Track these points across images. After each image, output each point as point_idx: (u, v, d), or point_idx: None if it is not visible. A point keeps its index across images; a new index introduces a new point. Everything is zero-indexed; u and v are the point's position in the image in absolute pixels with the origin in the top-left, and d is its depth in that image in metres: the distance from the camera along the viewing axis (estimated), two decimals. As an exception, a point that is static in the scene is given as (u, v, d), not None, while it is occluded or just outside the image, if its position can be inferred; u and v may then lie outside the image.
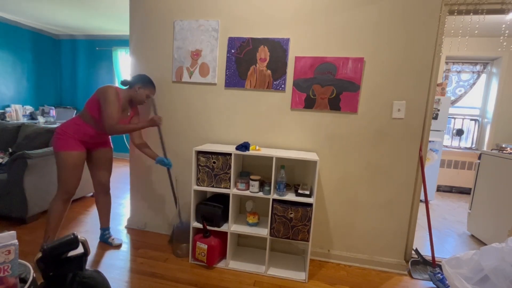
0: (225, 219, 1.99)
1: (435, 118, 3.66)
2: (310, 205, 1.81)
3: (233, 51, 2.11)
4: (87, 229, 2.41)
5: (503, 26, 3.65)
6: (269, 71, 2.07)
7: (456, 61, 4.40)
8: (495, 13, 1.91)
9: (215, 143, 2.22)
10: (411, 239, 2.11)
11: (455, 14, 1.90)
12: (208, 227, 1.93)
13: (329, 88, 2.00)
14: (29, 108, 4.81)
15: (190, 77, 2.20)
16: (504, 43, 4.08)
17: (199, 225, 1.95)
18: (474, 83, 4.40)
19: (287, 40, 2.02)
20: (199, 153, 1.93)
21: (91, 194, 3.23)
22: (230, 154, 1.87)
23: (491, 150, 2.68)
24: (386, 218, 2.05)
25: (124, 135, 5.12)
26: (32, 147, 2.79)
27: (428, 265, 2.06)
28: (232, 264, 1.99)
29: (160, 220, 2.41)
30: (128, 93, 1.97)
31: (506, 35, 4.01)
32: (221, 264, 1.98)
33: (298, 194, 1.86)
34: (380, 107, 1.97)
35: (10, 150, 2.93)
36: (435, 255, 2.02)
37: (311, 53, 2.01)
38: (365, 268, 2.08)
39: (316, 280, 1.89)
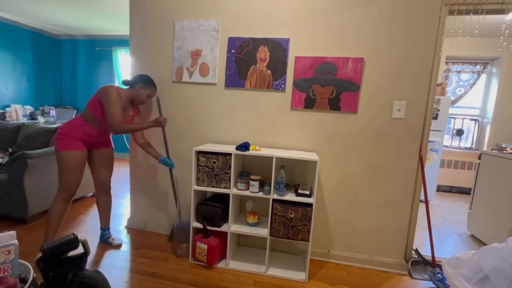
0: (225, 219, 1.99)
1: (435, 118, 3.66)
2: (310, 205, 1.81)
3: (233, 51, 2.11)
4: (87, 229, 2.41)
5: (503, 26, 3.65)
6: (269, 71, 2.07)
7: (456, 61, 4.40)
8: (495, 13, 1.91)
9: (215, 143, 2.22)
10: (411, 239, 2.11)
11: (455, 14, 1.90)
12: (208, 227, 1.93)
13: (329, 88, 2.00)
14: (29, 108, 4.81)
15: (190, 77, 2.20)
16: (504, 43, 4.08)
17: (199, 225, 1.95)
18: (474, 83, 4.40)
19: (287, 40, 2.02)
20: (199, 153, 1.93)
21: (91, 194, 3.23)
22: (230, 154, 1.87)
23: (491, 150, 2.68)
24: (386, 218, 2.05)
25: (124, 135, 5.13)
26: (32, 147, 2.79)
27: (428, 265, 2.06)
28: (232, 264, 1.99)
29: (160, 220, 2.41)
30: (129, 93, 1.98)
31: (506, 35, 4.01)
32: (221, 264, 1.98)
33: (298, 194, 1.86)
34: (380, 107, 1.97)
35: (10, 150, 2.93)
36: (435, 255, 2.03)
37: (311, 53, 2.01)
38: (365, 268, 2.08)
39: (316, 280, 1.89)
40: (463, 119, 4.53)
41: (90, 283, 1.08)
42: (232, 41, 2.10)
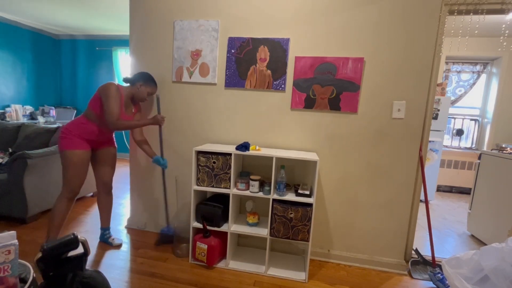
0: (225, 219, 1.99)
1: (435, 118, 3.66)
2: (310, 205, 1.81)
3: (233, 51, 2.11)
4: (87, 229, 2.41)
5: (503, 26, 3.65)
6: (269, 71, 2.07)
7: (456, 61, 4.40)
8: (495, 13, 1.91)
9: (215, 143, 2.22)
10: (411, 239, 2.11)
11: (455, 14, 1.90)
12: (208, 227, 1.93)
13: (329, 88, 2.00)
14: (29, 108, 4.81)
15: (190, 77, 2.20)
16: (504, 43, 4.08)
17: (199, 225, 1.95)
18: (474, 83, 4.40)
19: (287, 40, 2.02)
20: (199, 153, 1.93)
21: (91, 194, 3.23)
22: (230, 154, 1.87)
23: (491, 150, 2.68)
24: (386, 218, 2.05)
25: (124, 135, 5.13)
26: (32, 147, 2.79)
27: (428, 265, 2.06)
28: (232, 264, 1.99)
29: (160, 220, 2.41)
30: (130, 90, 1.99)
31: (506, 35, 4.01)
32: (221, 264, 1.98)
33: (298, 194, 1.86)
34: (380, 107, 1.97)
35: (10, 150, 2.93)
36: (435, 255, 2.02)
37: (311, 53, 2.01)
38: (365, 268, 2.08)
39: (316, 280, 1.89)
40: (463, 119, 4.53)
41: (90, 283, 1.08)
42: (232, 41, 2.10)
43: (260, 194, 1.88)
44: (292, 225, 1.82)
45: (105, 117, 1.82)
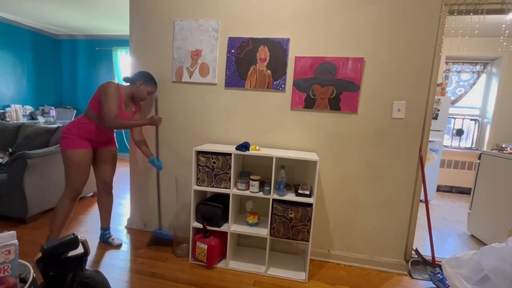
0: (225, 219, 1.99)
1: (435, 118, 3.66)
2: (310, 205, 1.81)
3: (233, 51, 2.11)
4: (87, 229, 2.41)
5: (503, 26, 3.65)
6: (269, 71, 2.07)
7: (456, 61, 4.40)
8: (495, 13, 1.91)
9: (215, 143, 2.22)
10: (411, 239, 2.11)
11: (455, 14, 1.90)
12: (208, 227, 1.93)
13: (329, 88, 2.00)
14: (29, 108, 4.81)
15: (190, 77, 2.20)
16: (504, 43, 4.08)
17: (199, 225, 1.95)
18: (474, 83, 4.40)
19: (287, 40, 2.02)
20: (199, 153, 1.93)
21: (91, 194, 3.23)
22: (230, 154, 1.87)
23: (491, 150, 2.68)
24: (386, 218, 2.05)
25: (124, 135, 5.13)
26: (32, 147, 2.80)
27: (428, 265, 2.06)
28: (232, 264, 1.99)
29: (160, 220, 2.40)
30: (130, 89, 2.00)
31: (506, 35, 4.01)
32: (221, 264, 1.98)
33: (298, 194, 1.86)
34: (380, 107, 1.97)
35: (10, 150, 2.93)
36: (435, 255, 2.02)
37: (311, 53, 2.01)
38: (365, 268, 2.08)
39: (316, 280, 1.89)
40: (463, 119, 4.53)
41: (90, 283, 1.08)
42: (232, 41, 2.10)
43: (260, 194, 1.88)
44: (292, 225, 1.82)
45: (103, 115, 1.82)
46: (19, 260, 0.96)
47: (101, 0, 3.48)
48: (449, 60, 4.38)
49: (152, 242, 2.21)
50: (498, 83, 4.17)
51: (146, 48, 2.27)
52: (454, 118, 4.53)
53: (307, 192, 1.86)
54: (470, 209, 2.83)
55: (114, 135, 2.14)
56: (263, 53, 2.06)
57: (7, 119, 4.38)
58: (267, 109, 2.12)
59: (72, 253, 1.06)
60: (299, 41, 2.01)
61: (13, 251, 0.89)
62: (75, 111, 5.30)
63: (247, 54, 2.08)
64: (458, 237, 2.75)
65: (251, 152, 1.87)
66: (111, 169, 2.13)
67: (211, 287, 1.74)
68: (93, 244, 2.17)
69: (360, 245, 2.11)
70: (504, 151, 2.56)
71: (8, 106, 4.58)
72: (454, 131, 4.54)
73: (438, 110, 3.66)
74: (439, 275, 1.88)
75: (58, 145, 2.66)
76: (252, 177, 1.89)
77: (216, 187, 1.92)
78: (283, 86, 2.06)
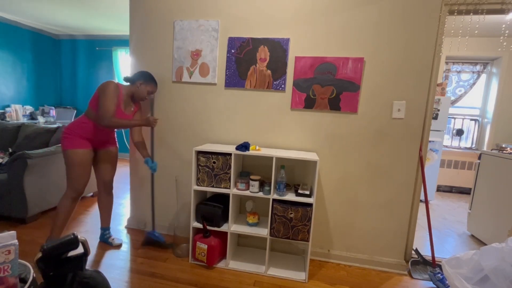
0: (225, 219, 1.99)
1: (435, 118, 3.66)
2: (310, 205, 1.81)
3: (233, 51, 2.11)
4: (87, 229, 2.41)
5: (503, 26, 3.65)
6: (269, 71, 2.07)
7: (456, 61, 4.40)
8: (495, 13, 1.91)
9: (215, 143, 2.22)
10: (411, 239, 2.11)
11: (455, 14, 1.90)
12: (208, 227, 1.93)
13: (329, 88, 2.00)
14: (29, 108, 4.81)
15: (190, 77, 2.20)
16: (504, 43, 4.08)
17: (199, 225, 1.95)
18: (474, 83, 4.40)
19: (287, 40, 2.02)
20: (199, 153, 1.93)
21: (91, 194, 3.23)
22: (230, 154, 1.87)
23: (491, 150, 2.68)
24: (386, 218, 2.05)
25: (124, 135, 5.13)
26: (32, 147, 2.80)
27: (428, 265, 2.06)
28: (232, 264, 1.99)
29: (160, 220, 2.41)
30: (130, 89, 2.00)
31: (506, 35, 4.01)
32: (221, 264, 1.98)
33: (298, 194, 1.86)
34: (380, 107, 1.97)
35: (10, 150, 2.93)
36: (435, 255, 2.03)
37: (311, 53, 2.01)
38: (365, 268, 2.08)
39: (316, 280, 1.89)
40: (463, 119, 4.53)
41: (90, 283, 1.08)
42: (232, 41, 2.10)
43: (260, 194, 1.88)
44: (292, 225, 1.82)
45: (99, 113, 1.82)
46: (19, 260, 0.96)
47: (101, 0, 3.48)
48: (449, 60, 4.38)
49: (145, 243, 2.20)
50: (498, 83, 4.17)
51: (146, 48, 2.27)
52: (454, 118, 4.53)
53: (307, 192, 1.86)
54: (470, 209, 2.83)
55: (115, 135, 2.14)
56: (263, 53, 2.06)
57: (7, 119, 4.38)
58: (267, 109, 2.12)
59: (72, 253, 1.06)
60: (299, 41, 2.01)
61: (13, 251, 0.89)
62: (75, 111, 5.30)
63: (247, 54, 2.08)
64: (458, 237, 2.75)
65: (251, 152, 1.87)
66: (111, 169, 2.13)
67: (211, 287, 1.74)
68: (93, 244, 2.17)
69: (360, 245, 2.11)
70: (504, 151, 2.56)
71: (8, 106, 4.58)
72: (454, 131, 4.54)
73: (438, 110, 3.66)
74: (439, 275, 1.88)
75: (58, 145, 2.67)
76: (252, 177, 1.89)
77: (216, 187, 1.92)
78: (283, 86, 2.06)
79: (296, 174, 2.13)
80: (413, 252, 2.14)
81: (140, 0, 2.22)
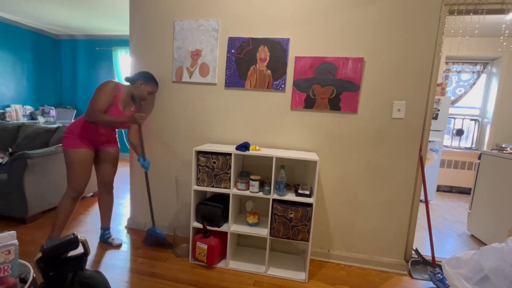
0: (225, 219, 1.99)
1: (435, 118, 3.66)
2: (310, 205, 1.81)
3: (233, 51, 2.11)
4: (87, 229, 2.41)
5: (503, 26, 3.65)
6: (269, 71, 2.07)
7: (456, 61, 4.40)
8: (495, 13, 1.91)
9: (215, 143, 2.22)
10: (411, 239, 2.11)
11: (455, 14, 1.90)
12: (208, 227, 1.93)
13: (329, 88, 2.00)
14: (29, 108, 4.81)
15: (190, 77, 2.20)
16: (504, 43, 4.08)
17: (199, 225, 1.95)
18: (474, 83, 4.40)
19: (287, 40, 2.02)
20: (199, 153, 1.93)
21: (91, 194, 3.23)
22: (230, 154, 1.87)
23: (491, 150, 2.68)
24: (386, 218, 2.05)
25: (124, 135, 5.13)
26: (32, 147, 2.80)
27: (428, 265, 2.06)
28: (232, 264, 1.99)
29: (160, 220, 2.41)
30: (130, 89, 2.00)
31: (506, 35, 4.01)
32: (221, 264, 1.98)
33: (298, 194, 1.86)
34: (380, 107, 1.97)
35: (10, 150, 2.93)
36: (435, 255, 2.03)
37: (311, 53, 2.01)
38: (365, 268, 2.08)
39: (316, 280, 1.89)
40: (463, 119, 4.53)
41: (90, 283, 1.08)
42: (232, 41, 2.10)
43: (260, 194, 1.88)
44: (292, 225, 1.82)
45: (88, 108, 1.84)
46: (19, 260, 0.96)
47: (101, 0, 3.48)
48: (449, 60, 4.38)
49: (146, 240, 2.21)
50: (498, 83, 4.17)
51: (146, 48, 2.27)
52: (454, 118, 4.53)
53: (307, 192, 1.86)
54: (470, 209, 2.83)
55: (116, 135, 2.14)
56: (263, 53, 2.06)
57: (7, 119, 4.38)
58: (267, 109, 2.12)
59: (72, 253, 1.06)
60: (299, 41, 2.01)
61: (13, 251, 0.89)
62: (75, 111, 5.30)
63: (247, 54, 2.08)
64: (458, 237, 2.75)
65: (251, 152, 1.87)
66: (112, 169, 2.13)
67: (211, 287, 1.74)
68: (93, 244, 2.17)
69: (360, 245, 2.11)
70: (504, 151, 2.56)
71: (8, 106, 4.58)
72: (454, 131, 4.54)
73: (438, 110, 3.66)
74: (439, 275, 1.88)
75: (58, 145, 2.67)
76: (252, 177, 1.89)
77: (216, 187, 1.92)
78: (283, 86, 2.06)
79: (296, 174, 2.13)
80: (413, 252, 2.14)
81: (140, 0, 2.22)
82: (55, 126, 2.98)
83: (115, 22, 4.39)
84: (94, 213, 2.75)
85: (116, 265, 1.91)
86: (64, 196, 1.93)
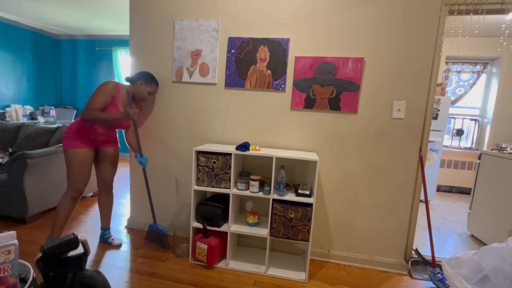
0: (225, 219, 1.99)
1: (435, 118, 3.66)
2: (310, 205, 1.81)
3: (233, 51, 2.11)
4: (87, 229, 2.41)
5: (503, 26, 3.65)
6: (269, 71, 2.07)
7: (456, 61, 4.40)
8: (495, 13, 1.91)
9: (215, 143, 2.22)
10: (411, 239, 2.11)
11: (455, 14, 1.90)
12: (208, 227, 1.93)
13: (329, 88, 2.00)
14: (29, 108, 4.81)
15: (190, 77, 2.20)
16: (504, 43, 4.08)
17: (199, 225, 1.95)
18: (474, 83, 4.40)
19: (287, 40, 2.02)
20: (199, 153, 1.93)
21: (91, 194, 3.23)
22: (230, 154, 1.87)
23: (491, 150, 2.68)
24: (386, 218, 2.05)
25: (124, 135, 5.13)
26: (32, 147, 2.80)
27: (428, 265, 2.06)
28: (232, 264, 1.99)
29: (160, 220, 2.41)
30: (130, 89, 2.01)
31: (506, 35, 4.01)
32: (221, 264, 1.98)
33: (298, 194, 1.86)
34: (380, 107, 1.97)
35: (10, 150, 2.93)
36: (435, 255, 2.02)
37: (311, 53, 2.01)
38: (365, 268, 2.08)
39: (316, 280, 1.89)
40: (463, 119, 4.53)
41: (90, 283, 1.08)
42: (232, 41, 2.10)
43: (260, 194, 1.88)
44: (292, 225, 1.82)
45: (85, 106, 1.85)
46: (19, 260, 0.96)
47: (101, 0, 3.48)
48: (449, 60, 4.38)
49: (148, 236, 2.21)
50: (498, 83, 4.17)
51: (146, 48, 2.27)
52: (454, 118, 4.53)
53: (307, 192, 1.86)
54: (470, 209, 2.83)
55: (117, 135, 2.14)
56: (263, 53, 2.06)
57: (7, 119, 4.38)
58: (267, 109, 2.12)
59: (72, 253, 1.06)
60: (299, 41, 2.01)
61: (13, 251, 0.89)
62: (75, 111, 5.30)
63: (247, 54, 2.08)
64: (458, 237, 2.75)
65: (251, 152, 1.87)
66: (112, 169, 2.13)
67: (211, 287, 1.74)
68: (93, 244, 2.17)
69: (360, 245, 2.11)
70: (504, 151, 2.56)
71: (8, 106, 4.58)
72: (454, 131, 4.54)
73: (438, 110, 3.66)
74: (439, 275, 1.88)
75: (58, 145, 2.67)
76: (252, 177, 1.89)
77: (216, 187, 1.92)
78: (283, 86, 2.06)
79: (296, 174, 2.13)
80: (413, 252, 2.14)
81: (140, 0, 2.22)
82: (55, 126, 2.98)
83: (115, 22, 4.39)
84: (94, 213, 2.75)
85: (116, 265, 1.91)
86: (64, 196, 1.93)
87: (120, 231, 2.41)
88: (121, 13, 3.96)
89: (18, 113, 4.54)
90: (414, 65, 1.90)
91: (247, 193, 1.89)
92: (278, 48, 2.03)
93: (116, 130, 2.11)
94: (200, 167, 1.92)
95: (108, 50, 5.17)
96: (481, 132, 4.45)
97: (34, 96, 5.11)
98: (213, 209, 1.92)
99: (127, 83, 2.04)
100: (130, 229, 2.47)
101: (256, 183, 1.87)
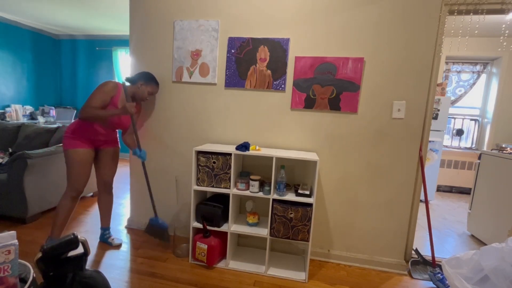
0: (225, 219, 1.99)
1: (435, 118, 3.66)
2: (310, 205, 1.81)
3: (233, 51, 2.11)
4: (87, 229, 2.41)
5: (503, 26, 3.65)
6: (269, 71, 2.07)
7: (456, 61, 4.40)
8: (495, 13, 1.91)
9: (215, 143, 2.22)
10: (411, 239, 2.11)
11: (455, 14, 1.90)
12: (208, 227, 1.93)
13: (329, 88, 2.00)
14: (29, 108, 4.81)
15: (190, 77, 2.20)
16: (504, 43, 4.08)
17: (199, 225, 1.95)
18: (474, 83, 4.40)
19: (287, 40, 2.02)
20: (199, 153, 1.93)
21: (91, 194, 3.23)
22: (230, 154, 1.87)
23: (491, 150, 2.68)
24: (386, 218, 2.05)
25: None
26: (32, 147, 2.80)
27: (428, 265, 2.06)
28: (232, 264, 1.99)
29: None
30: (130, 89, 2.01)
31: (506, 35, 4.01)
32: (221, 264, 1.98)
33: (298, 194, 1.86)
34: (380, 107, 1.97)
35: (10, 150, 2.93)
36: (435, 255, 2.02)
37: (311, 53, 2.01)
38: (365, 268, 2.08)
39: (316, 280, 1.89)
40: (463, 119, 4.53)
41: (90, 283, 1.08)
42: (232, 41, 2.10)
43: (260, 194, 1.88)
44: (292, 225, 1.82)
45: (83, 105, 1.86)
46: (19, 260, 0.96)
47: (101, 0, 3.48)
48: (449, 60, 4.38)
49: (148, 229, 2.21)
50: (498, 83, 4.17)
51: (146, 48, 2.27)
52: (454, 118, 4.53)
53: (307, 192, 1.86)
54: (470, 209, 2.83)
55: (117, 135, 2.14)
56: (263, 53, 2.06)
57: (7, 119, 4.38)
58: (267, 109, 2.12)
59: (72, 253, 1.06)
60: (299, 41, 2.01)
61: (13, 251, 0.89)
62: (75, 111, 5.30)
63: (247, 54, 2.08)
64: (458, 237, 2.75)
65: (251, 152, 1.87)
66: (112, 169, 2.13)
67: (211, 287, 1.74)
68: (93, 244, 2.17)
69: (360, 245, 2.11)
70: (504, 151, 2.56)
71: (8, 106, 4.58)
72: (454, 131, 4.54)
73: (438, 110, 3.66)
74: (439, 275, 1.88)
75: (58, 145, 2.67)
76: (252, 177, 1.89)
77: (216, 187, 1.92)
78: (283, 86, 2.06)
79: (296, 174, 2.13)
80: (413, 252, 2.14)
81: (140, 0, 2.22)
82: (55, 126, 2.98)
83: (115, 22, 4.39)
84: (94, 213, 2.75)
85: (116, 265, 1.91)
86: (63, 195, 1.93)
87: (120, 231, 2.41)
88: (121, 13, 3.96)
89: (18, 113, 4.54)
90: (414, 65, 1.90)
91: (247, 193, 1.89)
92: (278, 48, 2.03)
93: (116, 130, 2.11)
94: (200, 167, 1.92)
95: (108, 50, 5.17)
96: (481, 132, 4.45)
97: (34, 96, 5.11)
98: (213, 209, 1.92)
99: (128, 83, 2.04)
100: (130, 229, 2.47)
101: (256, 183, 1.87)
